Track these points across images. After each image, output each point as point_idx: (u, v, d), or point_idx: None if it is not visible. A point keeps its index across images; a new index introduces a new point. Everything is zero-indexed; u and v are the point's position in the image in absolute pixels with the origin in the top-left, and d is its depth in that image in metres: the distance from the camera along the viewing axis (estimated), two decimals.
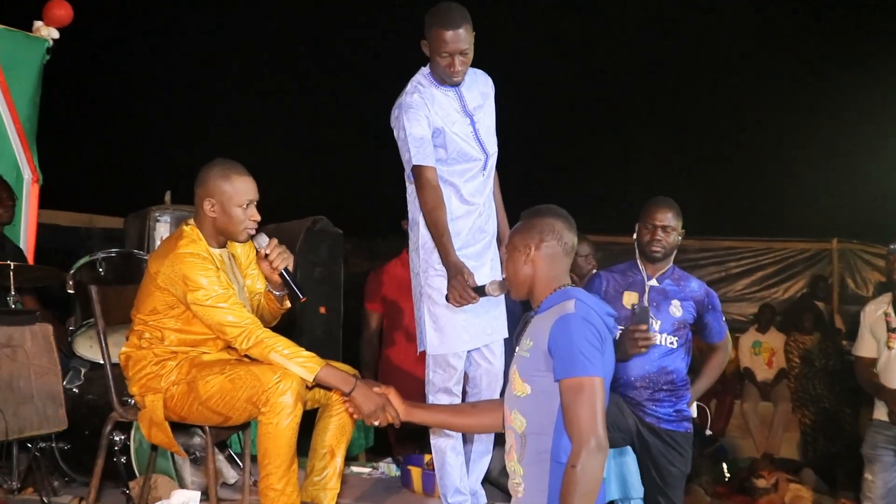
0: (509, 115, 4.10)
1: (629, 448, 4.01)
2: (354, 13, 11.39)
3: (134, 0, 10.61)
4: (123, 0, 10.49)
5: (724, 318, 4.07)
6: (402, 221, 5.41)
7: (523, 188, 4.76)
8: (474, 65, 3.84)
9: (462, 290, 3.45)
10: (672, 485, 3.89)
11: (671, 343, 3.88)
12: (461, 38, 3.62)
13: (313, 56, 11.48)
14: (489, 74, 3.97)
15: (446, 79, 3.73)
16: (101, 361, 3.71)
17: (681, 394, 3.92)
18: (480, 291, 3.43)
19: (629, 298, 3.91)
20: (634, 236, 3.98)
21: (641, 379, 3.86)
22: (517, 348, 2.78)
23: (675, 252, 3.97)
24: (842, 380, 8.65)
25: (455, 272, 3.49)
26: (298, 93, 11.35)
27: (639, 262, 3.97)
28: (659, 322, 3.87)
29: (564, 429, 2.55)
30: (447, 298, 3.53)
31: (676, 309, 3.90)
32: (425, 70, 3.81)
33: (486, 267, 3.81)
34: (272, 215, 4.04)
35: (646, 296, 3.88)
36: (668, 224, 3.88)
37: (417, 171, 3.67)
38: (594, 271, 4.24)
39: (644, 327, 3.71)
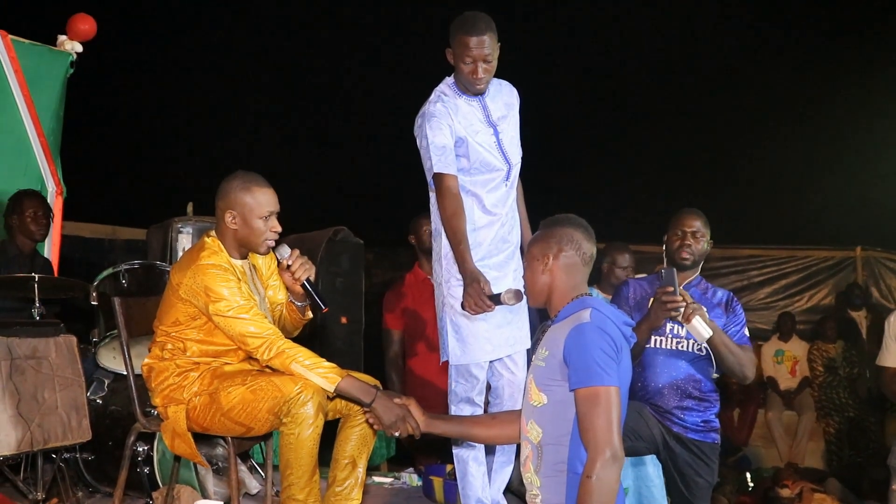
0: (531, 124, 4.10)
1: (650, 458, 4.00)
2: (377, 25, 11.44)
3: (156, 14, 10.69)
4: (146, 14, 10.58)
5: (746, 331, 4.02)
6: (410, 237, 5.47)
7: (545, 198, 4.76)
8: (499, 76, 3.86)
9: (478, 297, 3.46)
10: (698, 496, 3.87)
11: (699, 350, 3.87)
12: (485, 44, 3.63)
13: (335, 68, 11.53)
14: (508, 83, 3.98)
15: (469, 86, 3.74)
16: (125, 372, 3.73)
17: (708, 404, 3.90)
18: (496, 300, 3.44)
19: None
20: (663, 246, 3.98)
21: (669, 386, 3.85)
22: (533, 357, 2.78)
23: (702, 261, 3.97)
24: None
25: (471, 280, 3.50)
26: (320, 104, 11.40)
27: None
28: (685, 328, 3.86)
29: (580, 439, 2.54)
30: (462, 306, 3.54)
31: (704, 318, 3.87)
32: (449, 80, 3.82)
33: (508, 278, 3.80)
34: (293, 226, 4.06)
35: None
36: (698, 230, 3.91)
37: (438, 178, 3.69)
38: (626, 280, 4.23)
39: (670, 289, 3.65)
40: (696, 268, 3.97)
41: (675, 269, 3.76)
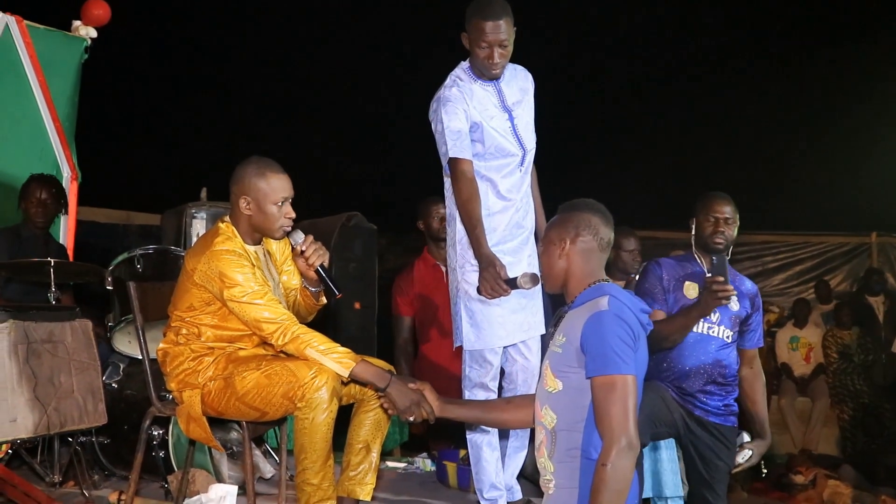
0: (547, 110, 4.09)
1: (665, 443, 4.00)
2: (390, 10, 11.40)
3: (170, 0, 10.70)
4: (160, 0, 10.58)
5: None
6: (418, 222, 5.46)
7: (560, 183, 4.76)
8: (514, 61, 3.85)
9: (494, 282, 3.45)
10: (717, 479, 3.90)
11: (727, 337, 3.89)
12: (501, 29, 3.62)
13: (348, 51, 11.51)
14: (524, 68, 3.97)
15: (485, 71, 3.72)
16: (140, 357, 3.75)
17: (730, 389, 3.93)
18: (512, 284, 3.43)
19: (690, 288, 3.92)
20: (692, 230, 3.97)
21: (696, 369, 3.85)
22: (550, 343, 2.77)
23: (731, 247, 3.98)
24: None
25: (487, 264, 3.50)
26: (332, 88, 11.38)
27: (696, 254, 3.98)
28: (718, 314, 3.86)
29: (595, 425, 2.54)
30: (478, 290, 3.53)
31: (734, 303, 3.88)
32: (465, 64, 3.81)
33: (522, 263, 3.80)
34: (307, 212, 4.06)
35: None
36: (730, 217, 3.91)
37: (453, 163, 3.68)
38: (655, 260, 4.22)
39: (721, 279, 3.67)
40: (727, 253, 3.97)
41: (725, 257, 3.77)
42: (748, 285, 4.00)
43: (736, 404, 3.95)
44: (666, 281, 3.96)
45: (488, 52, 3.65)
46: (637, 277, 4.35)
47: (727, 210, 3.90)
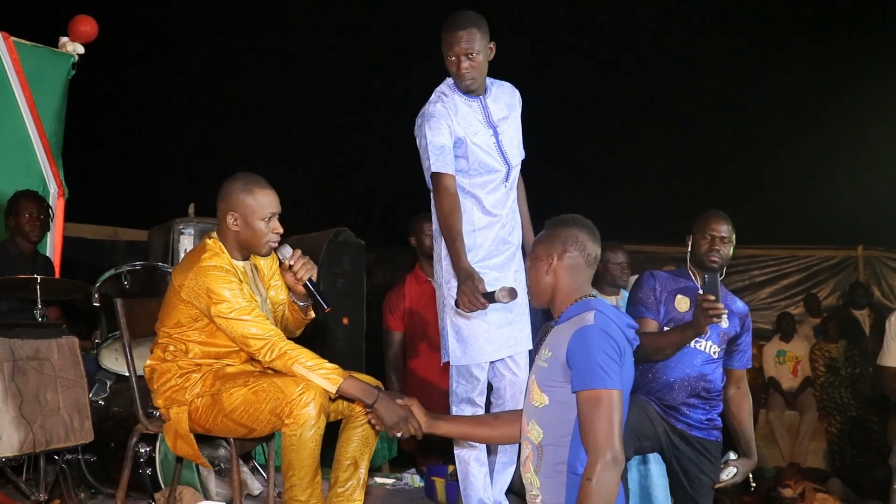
0: (534, 124, 4.11)
1: (653, 457, 4.01)
2: (378, 27, 11.44)
3: (158, 15, 10.70)
4: (147, 15, 10.59)
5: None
6: (411, 238, 5.47)
7: (547, 198, 4.77)
8: (499, 76, 3.86)
9: (472, 295, 3.45)
10: (702, 493, 3.91)
11: (714, 352, 3.90)
12: (463, 38, 3.64)
13: (337, 68, 11.54)
14: (510, 84, 3.99)
15: (457, 83, 3.74)
16: (127, 374, 3.74)
17: (714, 403, 3.94)
18: (490, 298, 3.43)
19: (682, 302, 3.94)
20: (689, 246, 3.99)
21: (681, 381, 3.86)
22: (536, 358, 2.78)
23: (726, 265, 4.00)
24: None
25: (465, 277, 3.49)
26: (320, 104, 11.40)
27: (690, 269, 3.99)
28: (707, 329, 3.87)
29: (581, 440, 2.55)
30: (456, 304, 3.53)
31: (724, 320, 3.90)
32: (450, 80, 3.82)
33: (509, 278, 3.80)
34: (294, 227, 4.06)
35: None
36: (726, 236, 3.93)
37: (436, 178, 3.69)
38: (650, 271, 4.25)
39: (712, 297, 3.67)
40: (721, 272, 3.98)
41: (717, 275, 3.77)
42: (739, 305, 4.02)
43: (720, 419, 3.96)
44: (659, 292, 3.98)
45: (455, 62, 3.68)
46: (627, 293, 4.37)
47: (724, 229, 3.93)
